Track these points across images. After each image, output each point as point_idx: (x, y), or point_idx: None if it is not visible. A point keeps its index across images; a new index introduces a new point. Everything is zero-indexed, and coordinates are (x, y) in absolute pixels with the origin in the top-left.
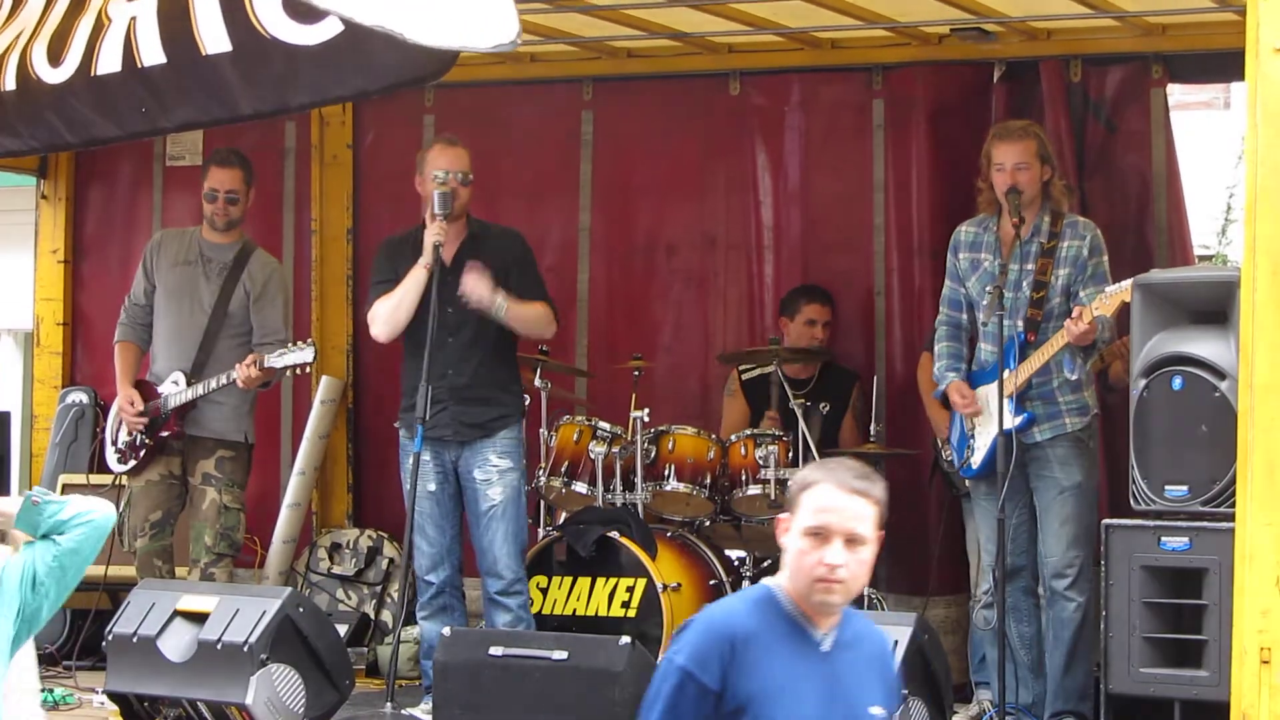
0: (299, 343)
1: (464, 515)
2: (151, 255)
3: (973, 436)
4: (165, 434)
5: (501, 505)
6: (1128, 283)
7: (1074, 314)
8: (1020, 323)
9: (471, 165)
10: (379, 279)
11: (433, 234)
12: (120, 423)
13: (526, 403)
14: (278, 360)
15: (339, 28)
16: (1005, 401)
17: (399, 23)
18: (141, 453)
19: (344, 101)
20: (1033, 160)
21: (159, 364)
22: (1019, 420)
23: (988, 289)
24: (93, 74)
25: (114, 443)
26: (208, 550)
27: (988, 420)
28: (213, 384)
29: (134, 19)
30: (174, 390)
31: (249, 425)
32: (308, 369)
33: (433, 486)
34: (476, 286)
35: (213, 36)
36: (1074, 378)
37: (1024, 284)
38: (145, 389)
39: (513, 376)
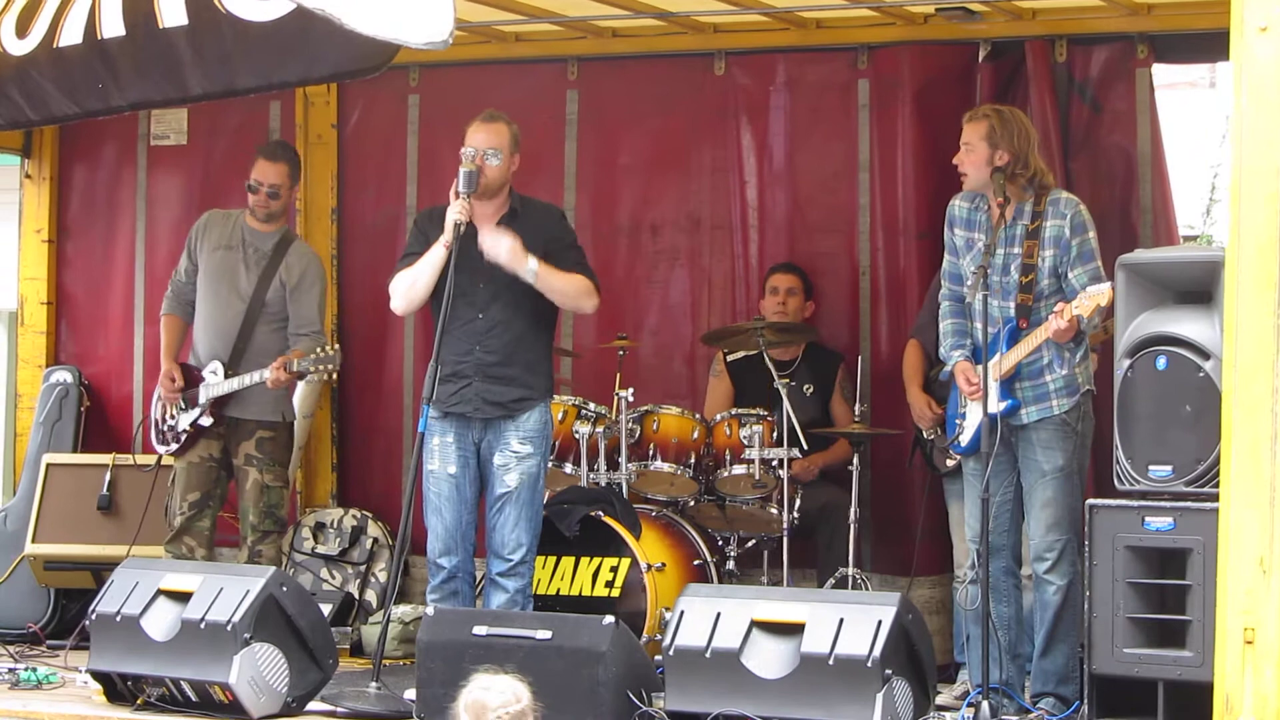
0: (327, 348)
1: (482, 500)
2: (196, 236)
3: (964, 415)
4: (205, 423)
5: (516, 491)
6: (1105, 287)
7: (1057, 309)
8: (1011, 307)
9: (514, 141)
10: (406, 251)
11: (453, 212)
12: (163, 404)
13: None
14: (303, 365)
15: (290, 6)
16: (994, 386)
17: (339, 8)
18: (183, 438)
19: (288, 87)
20: (977, 142)
21: (199, 348)
22: (1003, 406)
23: (971, 270)
24: (55, 46)
25: (157, 425)
26: (253, 529)
27: (977, 399)
28: (246, 380)
29: None
30: (213, 380)
31: (287, 405)
32: (333, 374)
33: (454, 469)
34: (495, 245)
35: (171, 9)
36: (1064, 372)
37: (1012, 268)
38: (187, 372)
39: (542, 358)
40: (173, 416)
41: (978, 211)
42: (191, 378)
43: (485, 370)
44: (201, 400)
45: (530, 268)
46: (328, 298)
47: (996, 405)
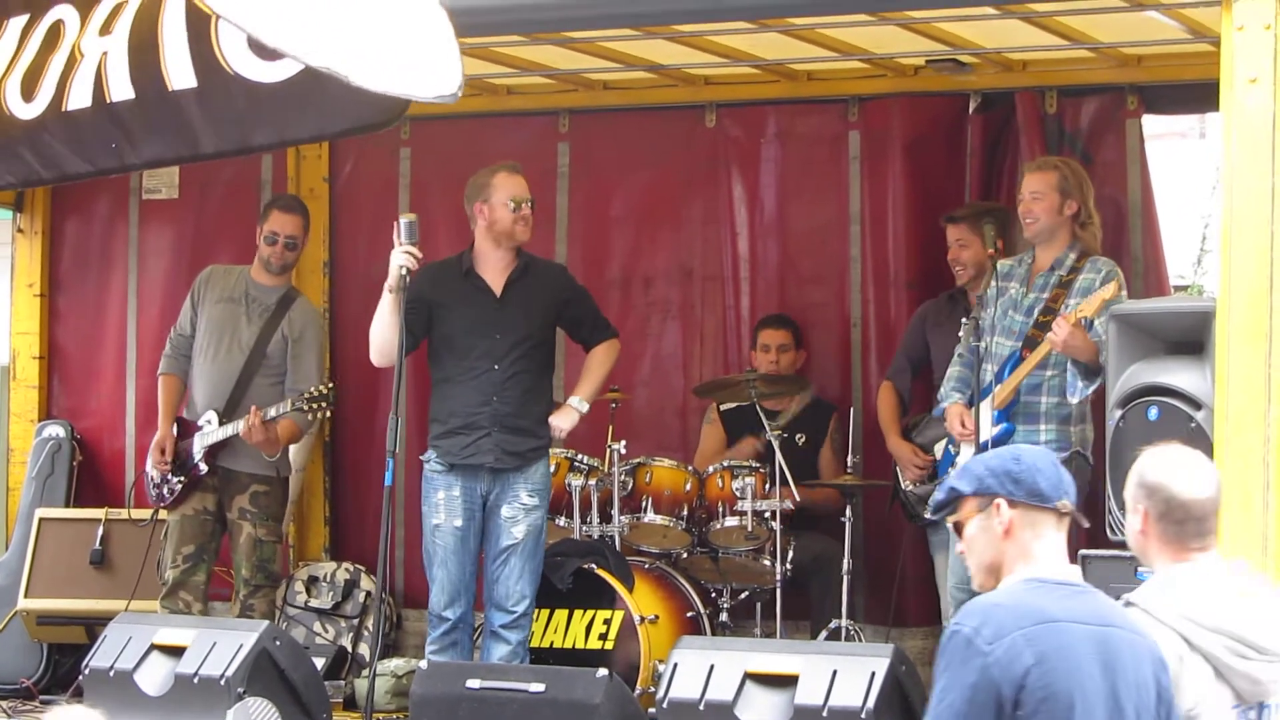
0: (317, 386)
1: (481, 551)
2: (200, 289)
3: (957, 455)
4: (201, 470)
5: (523, 543)
6: (1110, 283)
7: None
8: (1018, 344)
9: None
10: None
11: (397, 259)
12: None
13: None
14: (273, 411)
15: (299, 66)
16: (988, 415)
17: (346, 67)
18: (178, 489)
19: (302, 143)
20: (1048, 191)
21: (197, 400)
22: (997, 430)
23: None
24: (64, 109)
25: (152, 480)
26: (245, 583)
27: (972, 439)
28: (228, 430)
29: (105, 54)
30: (208, 429)
31: (282, 459)
32: (327, 410)
33: (459, 522)
34: (563, 426)
35: (179, 72)
36: (1075, 400)
37: (1035, 310)
38: (184, 425)
39: (548, 409)
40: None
41: (1020, 266)
42: (186, 431)
43: (502, 421)
44: (196, 449)
45: (582, 408)
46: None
47: (989, 431)
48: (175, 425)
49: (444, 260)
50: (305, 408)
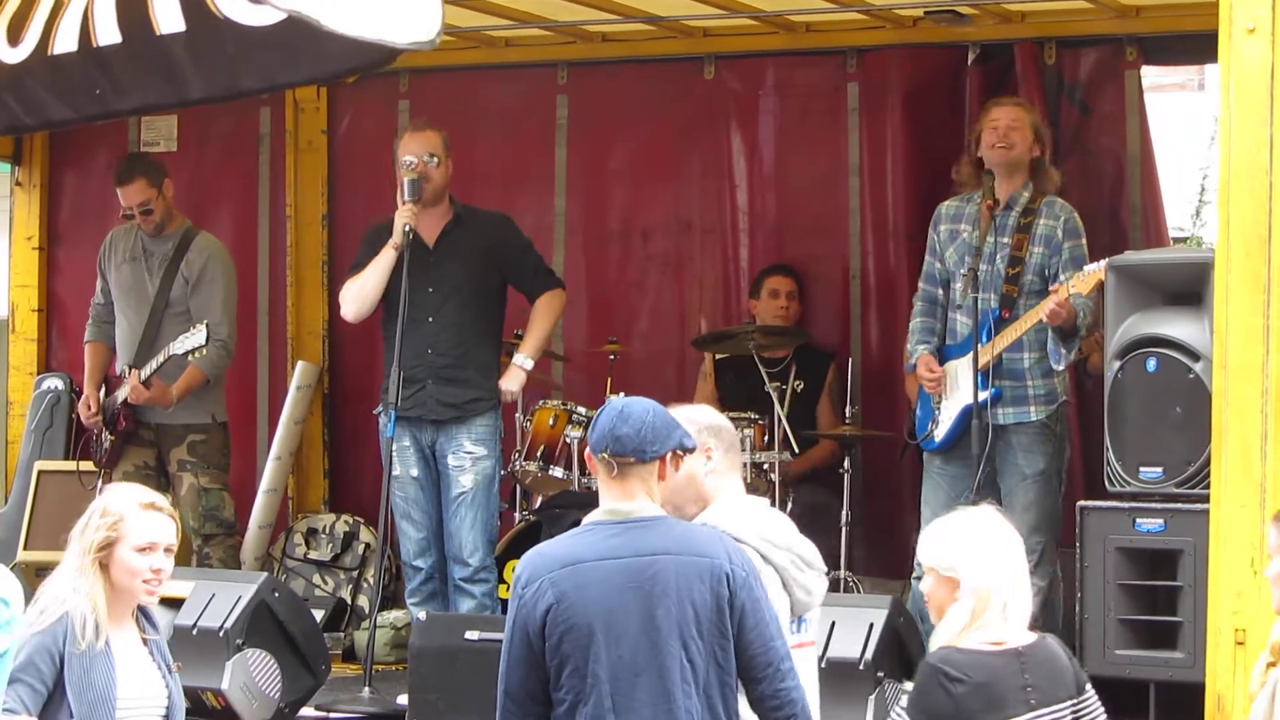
0: (194, 327)
1: None
2: (105, 255)
3: (938, 409)
4: (120, 428)
5: (472, 492)
6: (1103, 262)
7: (1053, 287)
8: (995, 298)
9: (446, 147)
10: (354, 263)
11: (402, 217)
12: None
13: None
14: (149, 368)
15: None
16: (976, 377)
17: (318, 9)
18: (106, 447)
19: (293, 87)
20: (1025, 127)
21: (120, 360)
22: (985, 396)
23: (962, 271)
24: (49, 54)
25: (89, 443)
26: (195, 533)
27: (956, 395)
28: (120, 395)
29: None
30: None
31: (215, 405)
32: (199, 352)
33: (415, 472)
34: (510, 388)
35: (167, 16)
36: (1060, 368)
37: (998, 258)
38: (113, 383)
39: (493, 362)
40: (95, 432)
41: (968, 205)
42: (112, 388)
43: (438, 373)
44: (114, 408)
45: (528, 366)
46: (320, 303)
47: (980, 396)
48: (104, 385)
49: (386, 222)
50: (183, 353)
